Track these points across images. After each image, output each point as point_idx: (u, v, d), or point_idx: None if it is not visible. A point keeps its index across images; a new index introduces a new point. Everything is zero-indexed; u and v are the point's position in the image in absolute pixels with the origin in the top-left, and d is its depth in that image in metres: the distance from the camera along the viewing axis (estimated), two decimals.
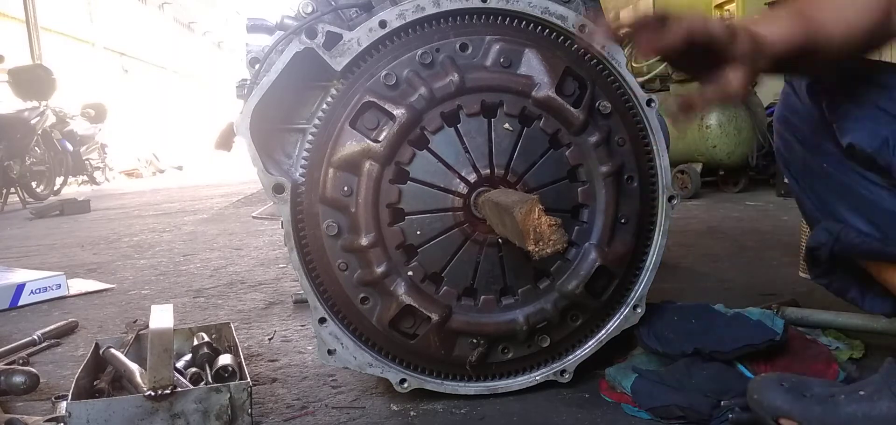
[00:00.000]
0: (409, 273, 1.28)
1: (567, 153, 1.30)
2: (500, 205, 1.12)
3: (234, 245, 3.82)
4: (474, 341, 1.33)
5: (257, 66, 1.35)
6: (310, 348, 1.78)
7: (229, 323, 1.70)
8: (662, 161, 1.38)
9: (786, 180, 1.39)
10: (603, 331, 1.41)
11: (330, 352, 1.33)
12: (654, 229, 1.40)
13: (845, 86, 1.18)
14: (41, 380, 1.49)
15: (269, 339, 1.90)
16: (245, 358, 1.50)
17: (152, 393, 1.19)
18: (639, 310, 1.40)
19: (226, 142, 1.86)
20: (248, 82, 1.36)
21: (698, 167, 4.99)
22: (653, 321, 1.41)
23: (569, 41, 1.34)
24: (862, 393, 1.05)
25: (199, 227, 4.83)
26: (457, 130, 1.27)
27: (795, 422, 1.06)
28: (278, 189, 1.27)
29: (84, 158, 10.21)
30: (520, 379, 1.40)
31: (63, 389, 1.52)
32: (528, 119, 1.29)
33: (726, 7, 8.74)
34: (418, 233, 1.28)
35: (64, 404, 1.25)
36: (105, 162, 11.93)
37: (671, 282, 2.28)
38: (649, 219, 1.40)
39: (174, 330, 1.40)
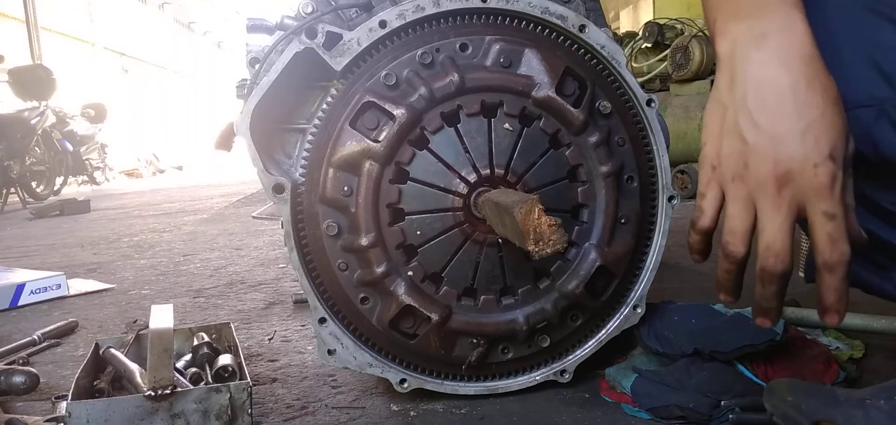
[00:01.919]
0: (409, 273, 1.28)
1: (567, 153, 1.30)
2: (500, 205, 1.12)
3: (234, 245, 3.82)
4: (474, 341, 1.33)
5: (257, 66, 1.35)
6: (310, 348, 1.78)
7: (229, 323, 1.70)
8: (662, 161, 1.38)
9: None
10: (603, 331, 1.41)
11: (330, 352, 1.33)
12: (654, 229, 1.40)
13: None
14: (41, 380, 1.49)
15: (269, 339, 1.90)
16: (245, 358, 1.50)
17: (152, 393, 1.19)
18: (639, 310, 1.40)
19: (226, 142, 1.86)
20: (248, 82, 1.36)
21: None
22: (653, 321, 1.41)
23: (569, 41, 1.34)
24: None
25: (199, 227, 4.83)
26: (457, 130, 1.27)
27: None
28: (278, 189, 1.27)
29: (84, 158, 10.23)
30: (520, 379, 1.40)
31: (63, 389, 1.52)
32: (528, 119, 1.29)
33: None
34: (418, 233, 1.28)
35: (64, 404, 1.25)
36: (105, 162, 11.95)
37: (671, 282, 2.28)
38: (649, 219, 1.40)
39: (174, 330, 1.40)
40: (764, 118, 0.71)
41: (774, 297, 0.75)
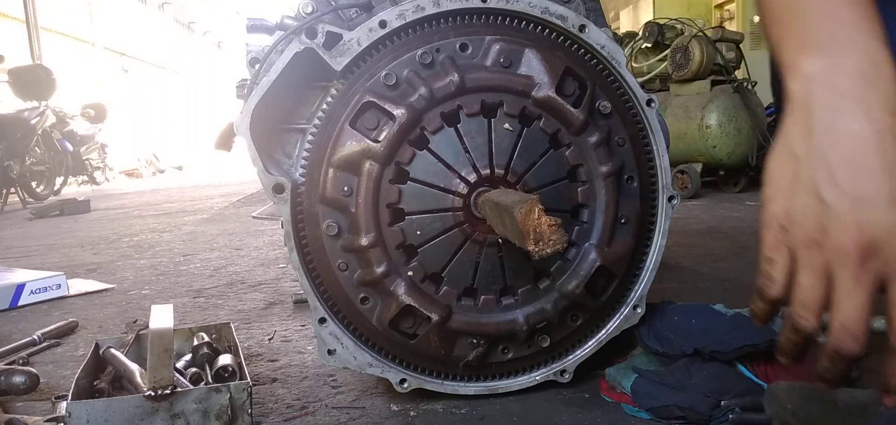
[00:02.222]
0: (409, 273, 1.28)
1: (567, 153, 1.30)
2: (500, 205, 1.12)
3: (234, 245, 3.82)
4: (474, 341, 1.33)
5: (257, 66, 1.35)
6: (310, 348, 1.78)
7: (229, 323, 1.70)
8: (662, 161, 1.38)
9: None
10: (603, 331, 1.41)
11: (330, 352, 1.33)
12: (654, 229, 1.40)
13: None
14: (41, 380, 1.49)
15: (269, 339, 1.90)
16: (245, 358, 1.50)
17: (152, 393, 1.19)
18: (639, 310, 1.40)
19: (226, 142, 1.86)
20: (248, 82, 1.36)
21: (698, 167, 4.99)
22: (653, 321, 1.41)
23: (569, 41, 1.34)
24: None
25: (199, 227, 4.83)
26: (457, 130, 1.27)
27: None
28: (278, 189, 1.27)
29: (84, 158, 10.21)
30: (520, 379, 1.40)
31: (63, 389, 1.52)
32: (528, 119, 1.29)
33: (726, 7, 8.76)
34: (418, 233, 1.28)
35: (64, 404, 1.25)
36: (105, 162, 11.93)
37: (671, 281, 2.28)
38: (649, 219, 1.40)
39: (174, 330, 1.40)
40: (846, 176, 0.63)
41: (842, 375, 0.69)
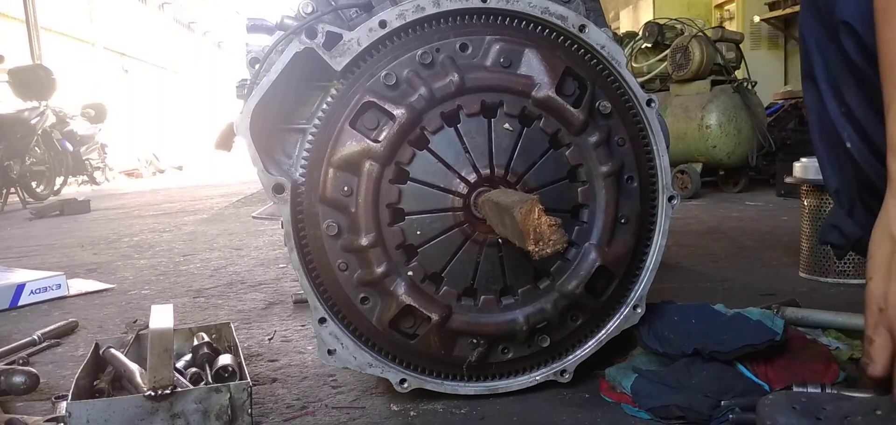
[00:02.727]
0: (409, 273, 1.28)
1: (567, 153, 1.30)
2: (500, 205, 1.12)
3: (234, 245, 3.82)
4: (474, 341, 1.33)
5: (257, 66, 1.35)
6: (310, 348, 1.78)
7: (229, 323, 1.70)
8: (662, 161, 1.38)
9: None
10: (603, 331, 1.41)
11: (330, 352, 1.33)
12: (654, 229, 1.40)
13: None
14: (41, 380, 1.49)
15: (269, 339, 1.90)
16: (245, 358, 1.50)
17: (152, 393, 1.19)
18: (639, 310, 1.40)
19: (226, 142, 1.86)
20: (248, 82, 1.36)
21: (698, 167, 5.00)
22: (653, 321, 1.41)
23: (569, 41, 1.34)
24: (878, 412, 1.01)
25: (199, 227, 4.83)
26: (457, 130, 1.27)
27: None
28: (278, 189, 1.27)
29: (84, 158, 10.21)
30: (520, 379, 1.40)
31: (63, 389, 1.52)
32: (528, 119, 1.29)
33: (726, 7, 8.75)
34: (418, 233, 1.28)
35: (64, 404, 1.25)
36: (105, 162, 11.93)
37: (671, 282, 2.28)
38: (649, 219, 1.40)
39: (174, 330, 1.40)
40: None
41: None
